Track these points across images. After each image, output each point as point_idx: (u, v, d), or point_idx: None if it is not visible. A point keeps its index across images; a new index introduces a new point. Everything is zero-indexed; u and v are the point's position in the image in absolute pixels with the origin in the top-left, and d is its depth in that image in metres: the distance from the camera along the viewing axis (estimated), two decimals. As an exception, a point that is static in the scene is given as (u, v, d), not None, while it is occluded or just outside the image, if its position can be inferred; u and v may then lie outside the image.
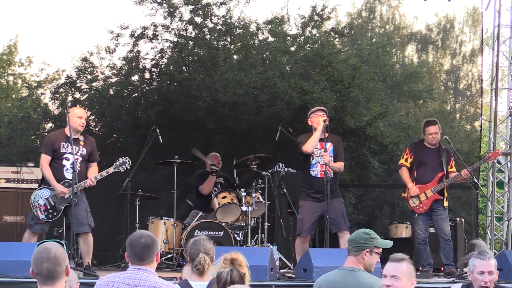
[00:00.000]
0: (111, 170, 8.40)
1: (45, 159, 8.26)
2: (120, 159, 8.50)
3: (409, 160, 9.03)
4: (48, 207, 8.19)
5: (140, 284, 4.34)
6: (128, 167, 8.52)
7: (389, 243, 5.16)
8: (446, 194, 9.01)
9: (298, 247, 8.58)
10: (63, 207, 8.20)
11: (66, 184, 8.21)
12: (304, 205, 8.63)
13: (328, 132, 8.52)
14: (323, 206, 8.38)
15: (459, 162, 9.31)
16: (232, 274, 4.24)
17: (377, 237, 5.05)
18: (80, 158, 8.24)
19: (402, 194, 9.18)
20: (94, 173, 8.30)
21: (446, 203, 8.99)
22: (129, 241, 4.45)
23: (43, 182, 8.34)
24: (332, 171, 8.52)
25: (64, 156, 8.24)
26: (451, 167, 9.05)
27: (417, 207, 8.92)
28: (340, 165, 8.69)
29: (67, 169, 8.24)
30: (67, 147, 8.25)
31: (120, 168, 8.46)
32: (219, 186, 10.27)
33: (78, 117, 8.27)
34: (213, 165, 10.34)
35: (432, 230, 9.29)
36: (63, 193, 8.14)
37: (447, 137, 9.11)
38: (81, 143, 8.27)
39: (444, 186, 8.92)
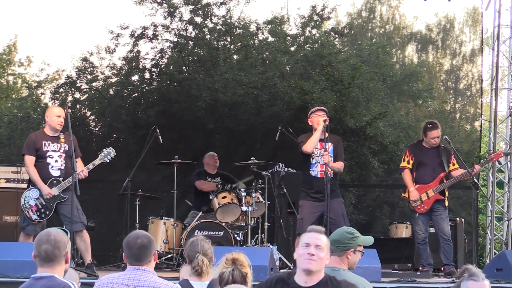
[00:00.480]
0: (97, 161, 8.38)
1: (29, 160, 8.24)
2: (104, 149, 8.50)
3: (411, 162, 9.03)
4: (40, 207, 8.17)
5: (140, 285, 4.33)
6: (113, 157, 8.48)
7: (370, 240, 5.14)
8: (447, 194, 9.01)
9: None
10: (54, 205, 8.19)
11: (55, 181, 8.19)
12: (304, 205, 8.63)
13: (328, 132, 8.52)
14: (323, 206, 8.38)
15: (459, 162, 9.31)
16: (234, 274, 4.24)
17: (359, 235, 5.05)
18: (64, 155, 8.22)
19: (402, 194, 9.18)
20: (80, 168, 8.29)
21: (446, 203, 8.99)
22: (125, 242, 4.45)
23: (31, 182, 8.32)
24: (332, 171, 8.52)
25: (47, 154, 8.22)
26: (453, 164, 9.03)
27: (418, 207, 8.92)
28: (339, 165, 8.69)
29: (52, 166, 8.23)
30: (48, 145, 8.24)
31: (105, 158, 8.44)
32: (219, 186, 10.28)
33: (56, 115, 8.25)
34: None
35: (432, 230, 9.29)
36: (49, 195, 8.13)
37: (447, 137, 9.11)
38: (62, 140, 8.26)
39: (446, 186, 8.91)
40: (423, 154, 9.01)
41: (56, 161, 8.24)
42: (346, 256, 4.93)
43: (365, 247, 5.10)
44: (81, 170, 8.20)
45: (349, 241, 4.94)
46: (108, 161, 8.50)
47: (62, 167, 8.20)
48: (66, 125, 8.24)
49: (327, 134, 8.50)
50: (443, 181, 8.91)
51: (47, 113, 8.43)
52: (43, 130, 8.48)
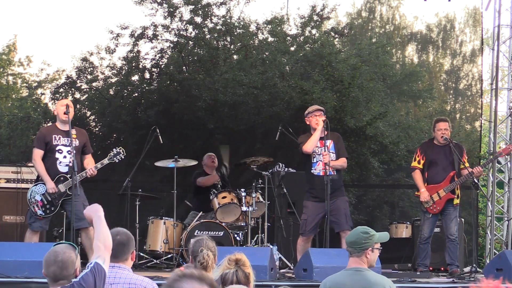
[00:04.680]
0: (105, 161, 8.31)
1: (37, 153, 8.19)
2: (114, 149, 8.42)
3: (422, 161, 8.98)
4: (45, 202, 8.15)
5: (115, 282, 4.38)
6: (123, 157, 8.40)
7: (386, 236, 5.16)
8: (458, 192, 8.99)
9: (300, 246, 8.57)
10: (60, 202, 8.18)
11: (62, 178, 8.16)
12: (308, 206, 8.63)
13: (328, 130, 8.52)
14: (325, 206, 8.37)
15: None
16: (238, 274, 4.23)
17: (375, 233, 5.07)
18: (74, 151, 8.13)
19: (416, 193, 9.15)
20: (91, 165, 8.26)
21: (457, 201, 8.97)
22: None
23: (38, 178, 8.30)
24: (335, 169, 8.52)
25: (57, 149, 8.17)
26: (464, 163, 8.98)
27: (431, 208, 8.88)
28: (342, 161, 8.68)
29: (60, 162, 8.18)
30: (59, 139, 8.19)
31: (115, 158, 8.38)
32: (219, 186, 10.27)
33: (61, 105, 8.22)
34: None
35: (435, 230, 9.29)
36: (52, 190, 8.11)
37: (447, 137, 9.09)
38: (74, 136, 8.20)
39: (456, 185, 8.88)
40: (435, 153, 8.96)
41: (65, 156, 8.18)
42: (365, 256, 4.96)
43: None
44: (89, 168, 8.18)
45: (365, 241, 4.96)
46: (118, 161, 8.45)
47: (71, 164, 8.11)
48: (74, 122, 8.23)
49: (326, 132, 8.51)
50: (453, 180, 8.88)
51: (56, 106, 8.43)
52: (55, 124, 8.41)
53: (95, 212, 4.29)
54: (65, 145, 8.19)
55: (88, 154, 8.37)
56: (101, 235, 4.16)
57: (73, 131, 8.22)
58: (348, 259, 5.00)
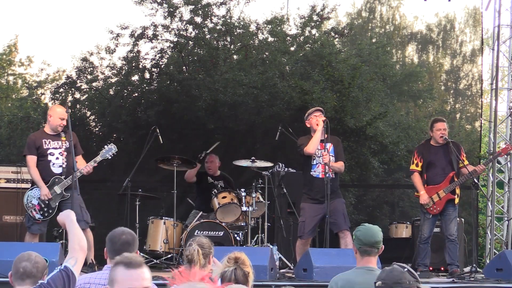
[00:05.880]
0: (98, 158, 8.34)
1: (31, 160, 8.23)
2: (106, 146, 8.46)
3: (420, 164, 8.97)
4: (43, 205, 8.17)
5: None
6: (115, 153, 8.43)
7: None
8: (458, 192, 8.99)
9: (299, 249, 8.58)
10: (57, 204, 8.18)
11: (57, 180, 8.18)
12: (305, 208, 8.62)
13: (327, 132, 8.52)
14: (324, 208, 8.37)
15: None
16: (236, 273, 4.24)
17: None
18: (65, 153, 8.20)
19: (416, 194, 9.16)
20: (83, 165, 8.27)
21: (457, 200, 8.97)
22: (109, 236, 4.47)
23: (34, 182, 8.32)
24: (333, 172, 8.52)
25: (48, 152, 8.22)
26: (463, 161, 8.96)
27: (431, 208, 8.88)
28: (340, 165, 8.70)
29: (53, 164, 8.22)
30: (49, 143, 8.23)
31: (107, 155, 8.39)
32: (219, 186, 10.27)
33: (60, 118, 8.24)
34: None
35: (435, 230, 9.30)
36: (44, 197, 8.11)
37: (446, 138, 9.08)
38: (63, 138, 8.25)
39: (456, 185, 8.87)
40: (432, 154, 8.95)
41: (57, 158, 8.23)
42: (377, 255, 4.90)
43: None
44: (84, 166, 8.19)
45: (381, 239, 4.90)
46: (110, 157, 8.45)
47: (64, 165, 8.18)
48: (67, 125, 8.24)
49: (326, 135, 8.51)
50: (453, 180, 8.87)
51: (51, 112, 8.42)
52: (42, 129, 8.49)
53: (67, 217, 4.54)
54: (56, 148, 8.23)
55: (78, 155, 8.37)
56: (75, 237, 4.41)
57: (62, 134, 8.26)
58: (362, 258, 4.83)
